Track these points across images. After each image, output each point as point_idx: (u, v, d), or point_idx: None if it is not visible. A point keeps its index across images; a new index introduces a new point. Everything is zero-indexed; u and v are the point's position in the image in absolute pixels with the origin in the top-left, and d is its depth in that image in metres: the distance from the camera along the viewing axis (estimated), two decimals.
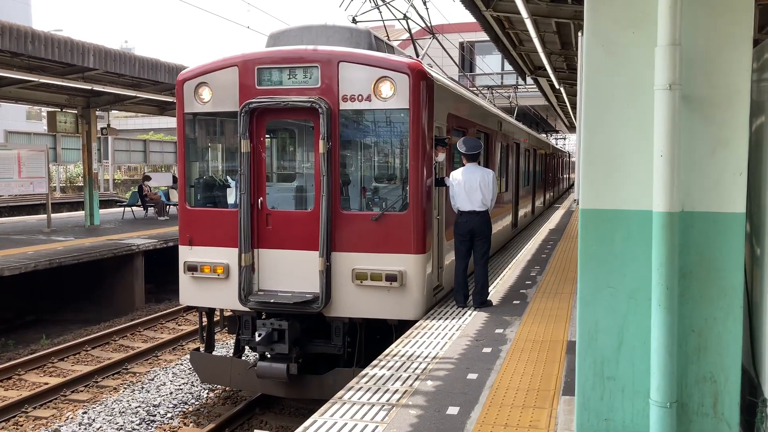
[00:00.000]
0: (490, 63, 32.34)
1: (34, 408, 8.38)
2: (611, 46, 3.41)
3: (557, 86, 18.20)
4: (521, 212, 16.99)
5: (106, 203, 27.15)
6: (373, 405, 4.75)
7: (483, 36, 13.62)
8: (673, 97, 3.16)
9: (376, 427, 4.38)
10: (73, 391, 8.95)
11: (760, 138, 3.55)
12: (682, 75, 3.18)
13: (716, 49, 3.29)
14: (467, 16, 11.12)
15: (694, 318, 3.36)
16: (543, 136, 33.53)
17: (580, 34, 3.67)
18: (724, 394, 3.34)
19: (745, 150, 3.29)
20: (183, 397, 8.77)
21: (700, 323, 3.35)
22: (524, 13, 9.67)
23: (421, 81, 7.32)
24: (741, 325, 3.34)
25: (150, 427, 7.85)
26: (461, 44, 31.75)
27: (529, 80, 19.41)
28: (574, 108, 24.32)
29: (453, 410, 4.62)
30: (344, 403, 4.80)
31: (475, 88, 23.22)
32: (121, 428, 7.79)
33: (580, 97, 3.60)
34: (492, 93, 23.72)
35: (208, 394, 8.94)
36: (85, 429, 7.77)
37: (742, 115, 3.29)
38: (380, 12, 10.96)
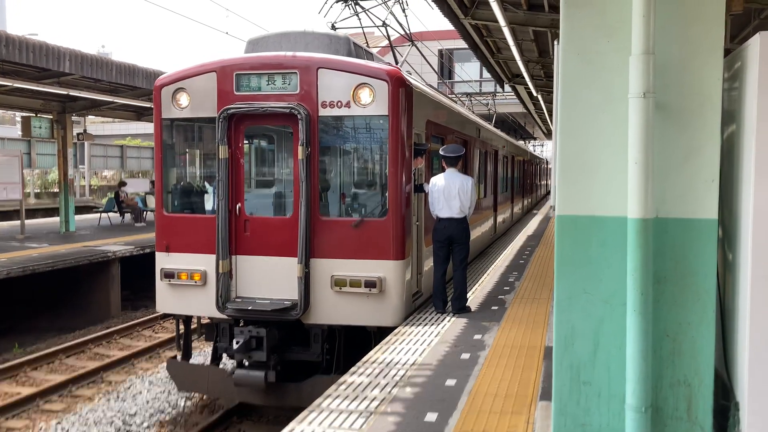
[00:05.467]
0: (469, 70, 32.57)
1: (6, 419, 8.22)
2: (586, 55, 3.45)
3: (535, 94, 18.39)
4: (500, 218, 17.10)
5: (82, 209, 26.78)
6: (352, 412, 4.74)
7: (462, 44, 13.72)
8: (646, 105, 3.21)
9: None
10: (46, 401, 8.80)
11: (731, 145, 3.62)
12: (656, 83, 3.23)
13: (689, 58, 3.34)
14: (446, 24, 11.20)
15: (668, 323, 3.40)
16: (521, 143, 33.81)
17: (555, 42, 3.71)
18: (697, 398, 3.38)
19: (717, 157, 3.35)
20: (160, 405, 8.67)
21: (675, 328, 3.39)
22: (502, 22, 9.77)
23: (399, 88, 7.34)
24: (714, 329, 3.39)
25: None
26: (440, 51, 31.94)
27: (507, 88, 19.59)
28: (551, 115, 24.56)
29: (431, 417, 4.62)
30: (322, 411, 4.78)
31: (454, 95, 23.35)
32: None
33: (555, 105, 3.64)
34: (471, 100, 23.88)
35: (185, 402, 8.84)
36: None
37: (714, 123, 3.35)
38: (359, 19, 10.99)
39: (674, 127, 3.37)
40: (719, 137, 3.36)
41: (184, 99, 7.78)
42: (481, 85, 33.08)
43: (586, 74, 3.46)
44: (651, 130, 3.22)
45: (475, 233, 12.44)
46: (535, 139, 48.11)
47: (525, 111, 27.43)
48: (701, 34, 3.33)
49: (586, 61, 3.46)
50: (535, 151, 44.36)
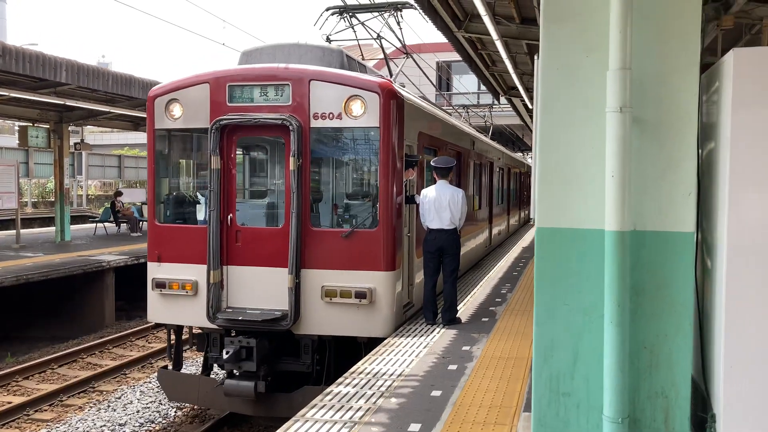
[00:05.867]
0: (466, 83, 32.69)
1: None
2: (566, 70, 3.51)
3: (530, 106, 18.44)
4: (495, 230, 17.12)
5: (78, 219, 26.81)
6: (336, 422, 4.75)
7: (458, 56, 13.80)
8: (624, 120, 3.25)
9: None
10: (36, 411, 8.79)
11: (709, 159, 3.66)
12: (633, 98, 3.28)
13: (666, 73, 3.40)
14: (443, 37, 11.27)
15: (646, 334, 3.43)
16: (518, 154, 33.89)
17: (536, 57, 3.77)
18: (675, 409, 3.41)
19: (693, 171, 3.39)
20: (150, 415, 8.66)
21: (652, 339, 3.43)
22: (494, 35, 9.84)
23: (391, 100, 7.40)
24: (691, 341, 3.42)
25: None
26: (438, 64, 32.07)
27: (503, 100, 19.66)
28: None
29: (415, 427, 4.64)
30: (307, 421, 4.80)
31: (451, 108, 23.44)
32: None
33: (536, 118, 3.69)
34: (468, 112, 23.95)
35: (175, 412, 8.83)
36: None
37: (691, 138, 3.39)
38: (354, 31, 11.07)
39: (652, 141, 3.42)
40: (696, 151, 3.40)
41: (177, 110, 7.83)
42: (478, 98, 33.17)
43: (566, 88, 3.51)
44: (628, 143, 3.26)
45: (470, 245, 12.47)
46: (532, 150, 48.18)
47: (522, 123, 27.50)
48: (678, 50, 3.38)
49: (565, 76, 3.51)
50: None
